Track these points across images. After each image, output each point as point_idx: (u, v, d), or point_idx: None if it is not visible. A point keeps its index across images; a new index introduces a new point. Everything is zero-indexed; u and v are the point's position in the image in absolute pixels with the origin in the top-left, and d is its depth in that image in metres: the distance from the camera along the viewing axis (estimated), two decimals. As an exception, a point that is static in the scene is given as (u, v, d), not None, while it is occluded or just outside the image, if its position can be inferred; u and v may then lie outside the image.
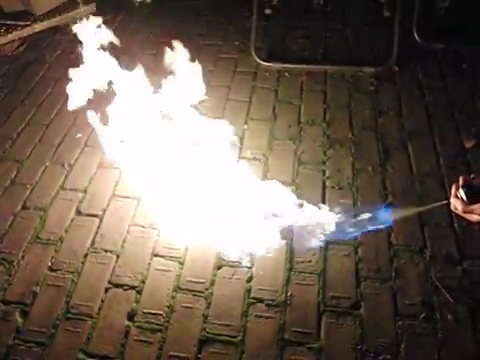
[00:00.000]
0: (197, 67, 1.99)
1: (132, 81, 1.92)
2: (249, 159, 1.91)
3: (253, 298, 1.49)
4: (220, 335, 1.41)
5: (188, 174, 1.73)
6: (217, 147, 1.82)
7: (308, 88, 2.25)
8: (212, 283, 1.53)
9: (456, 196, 1.05)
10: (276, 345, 1.38)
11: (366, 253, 1.59)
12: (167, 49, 2.00)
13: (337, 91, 2.23)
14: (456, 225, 1.65)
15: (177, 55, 1.97)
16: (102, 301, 1.50)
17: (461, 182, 1.05)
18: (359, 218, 1.61)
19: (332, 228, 1.59)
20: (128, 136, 1.81)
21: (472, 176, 1.06)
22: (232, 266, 1.56)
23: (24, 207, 1.80)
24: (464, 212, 1.04)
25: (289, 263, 1.56)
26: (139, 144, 1.82)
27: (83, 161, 1.96)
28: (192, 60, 1.98)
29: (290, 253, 1.58)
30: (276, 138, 2.01)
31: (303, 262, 1.57)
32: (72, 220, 1.74)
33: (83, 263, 1.61)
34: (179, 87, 1.90)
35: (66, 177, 1.90)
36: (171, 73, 1.94)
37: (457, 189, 1.05)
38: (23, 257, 1.63)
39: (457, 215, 1.08)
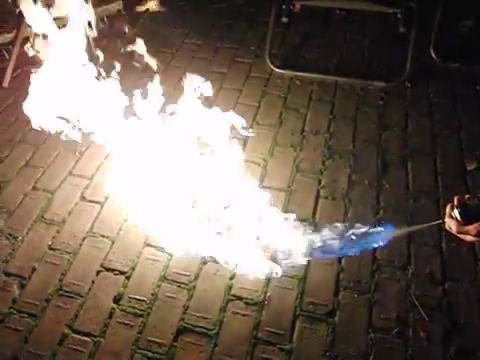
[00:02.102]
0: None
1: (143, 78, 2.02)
2: (248, 162, 1.97)
3: (233, 295, 1.55)
4: (197, 326, 1.48)
5: (186, 172, 1.81)
6: (218, 148, 1.89)
7: (317, 97, 2.29)
8: (196, 277, 1.61)
9: (450, 216, 1.04)
10: (249, 342, 1.44)
11: (349, 264, 1.62)
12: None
13: (345, 103, 2.26)
14: (443, 246, 1.66)
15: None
16: (92, 282, 1.60)
17: (456, 202, 1.04)
18: (349, 235, 1.65)
19: (318, 244, 1.62)
20: (134, 132, 1.90)
21: (467, 197, 1.05)
22: (217, 263, 1.63)
23: (34, 188, 1.93)
24: (458, 233, 1.03)
25: (271, 266, 1.61)
26: (145, 141, 1.90)
27: (93, 151, 2.07)
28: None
29: (274, 256, 1.63)
30: (278, 144, 2.06)
31: (285, 266, 1.61)
32: (76, 204, 1.85)
33: (80, 245, 1.71)
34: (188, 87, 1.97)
35: (76, 164, 2.02)
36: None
37: (452, 209, 1.04)
38: (27, 234, 1.75)
39: (451, 235, 1.07)
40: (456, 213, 1.02)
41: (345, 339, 1.44)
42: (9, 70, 2.40)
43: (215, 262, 1.63)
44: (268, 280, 1.58)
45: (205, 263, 1.64)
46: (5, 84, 2.39)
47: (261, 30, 2.70)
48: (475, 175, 1.89)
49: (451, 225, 1.04)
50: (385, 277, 1.59)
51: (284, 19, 2.34)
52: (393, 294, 1.54)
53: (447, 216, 1.06)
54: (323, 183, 1.89)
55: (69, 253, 1.69)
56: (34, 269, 1.64)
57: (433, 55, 2.42)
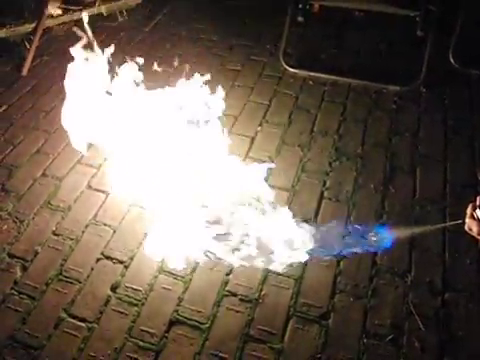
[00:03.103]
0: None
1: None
2: (254, 160, 1.97)
3: (228, 291, 1.55)
4: (190, 319, 1.49)
5: (191, 166, 1.82)
6: (225, 145, 1.90)
7: (329, 99, 2.27)
8: (193, 270, 1.62)
9: (472, 216, 1.01)
10: (240, 339, 1.44)
11: (347, 267, 1.60)
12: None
13: (357, 105, 2.22)
14: (447, 254, 1.62)
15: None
16: (92, 269, 1.63)
17: (478, 202, 1.01)
18: (351, 236, 1.64)
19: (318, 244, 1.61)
20: (142, 124, 1.92)
21: None
22: (215, 257, 1.63)
23: (44, 174, 1.97)
24: (479, 234, 1.00)
25: (269, 264, 1.61)
26: (151, 134, 1.92)
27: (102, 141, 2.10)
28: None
29: (271, 255, 1.62)
30: (286, 143, 2.05)
31: (283, 265, 1.60)
32: (82, 192, 1.89)
33: (83, 232, 1.75)
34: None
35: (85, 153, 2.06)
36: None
37: (474, 209, 1.01)
38: (33, 218, 1.80)
39: (471, 237, 1.03)
40: (478, 213, 0.99)
41: (337, 343, 1.42)
42: (29, 59, 2.46)
43: (213, 257, 1.64)
44: (264, 278, 1.58)
45: (203, 257, 1.65)
46: (24, 72, 2.46)
47: (278, 29, 2.67)
48: (482, 192, 1.84)
49: (472, 226, 1.00)
50: (383, 283, 1.56)
51: (300, 19, 2.32)
52: (390, 301, 1.51)
53: (468, 216, 1.02)
54: (328, 185, 1.87)
55: (72, 239, 1.72)
56: (37, 253, 1.68)
57: (452, 60, 2.36)
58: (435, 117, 2.15)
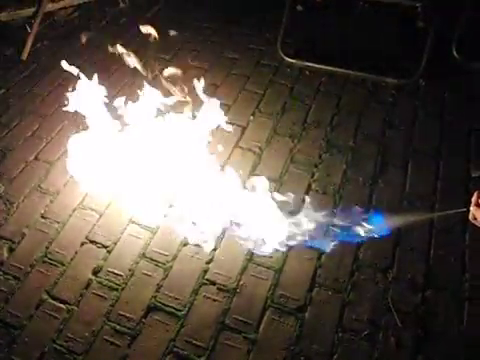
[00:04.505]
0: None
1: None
2: (244, 149, 1.96)
3: (207, 279, 1.56)
4: (167, 306, 1.50)
5: (177, 156, 1.82)
6: (214, 134, 1.89)
7: (325, 89, 2.23)
8: (174, 258, 1.63)
9: (478, 204, 0.98)
10: (215, 327, 1.45)
11: (329, 261, 1.59)
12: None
13: (353, 97, 2.18)
14: (431, 252, 1.59)
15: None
16: (76, 253, 1.66)
17: None
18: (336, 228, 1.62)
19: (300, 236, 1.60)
20: (133, 113, 1.93)
21: None
22: (197, 246, 1.64)
23: (36, 158, 2.00)
24: None
25: (250, 254, 1.61)
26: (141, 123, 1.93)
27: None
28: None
29: (253, 245, 1.62)
30: (277, 133, 2.03)
31: (264, 256, 1.60)
32: (71, 177, 1.91)
33: (70, 216, 1.77)
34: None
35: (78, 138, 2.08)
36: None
37: (479, 197, 0.98)
38: (23, 201, 1.83)
39: (474, 226, 1.01)
40: None
41: (311, 336, 1.42)
42: (28, 43, 2.48)
43: (195, 245, 1.65)
44: (244, 268, 1.58)
45: (185, 245, 1.65)
46: (24, 57, 2.48)
47: (279, 18, 2.63)
48: (478, 182, 1.79)
49: (477, 215, 0.97)
50: (364, 278, 1.54)
51: (299, 7, 2.27)
52: (369, 296, 1.49)
53: (473, 204, 0.99)
54: (316, 176, 1.84)
55: (58, 223, 1.75)
56: (24, 235, 1.72)
57: (455, 53, 2.28)
58: (432, 111, 2.09)
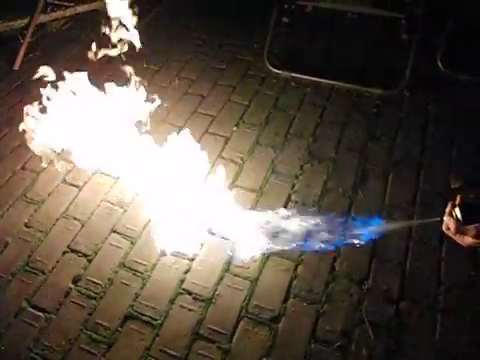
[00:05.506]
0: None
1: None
2: (226, 160, 1.98)
3: (184, 289, 1.58)
4: (143, 315, 1.52)
5: (163, 165, 1.85)
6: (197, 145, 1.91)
7: (309, 100, 2.25)
8: (153, 267, 1.65)
9: (450, 214, 0.99)
10: (189, 336, 1.46)
11: (304, 272, 1.60)
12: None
13: (337, 108, 2.20)
14: (407, 264, 1.60)
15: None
16: (57, 262, 1.68)
17: (458, 200, 0.99)
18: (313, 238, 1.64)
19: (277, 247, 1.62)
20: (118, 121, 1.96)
21: (471, 197, 1.03)
22: (175, 256, 1.66)
23: (23, 168, 2.03)
24: (456, 233, 0.98)
25: (227, 265, 1.63)
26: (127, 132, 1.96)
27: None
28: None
29: (231, 256, 1.64)
30: (259, 144, 2.05)
31: (241, 267, 1.62)
32: (57, 186, 1.94)
33: (53, 225, 1.80)
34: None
35: (66, 148, 2.12)
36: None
37: (453, 207, 0.99)
38: (8, 210, 1.86)
39: (448, 237, 1.01)
40: (457, 211, 0.97)
41: (284, 346, 1.43)
42: (21, 54, 2.53)
43: (173, 255, 1.67)
44: (221, 278, 1.59)
45: (164, 255, 1.67)
46: (16, 67, 2.53)
47: (268, 28, 2.68)
48: (460, 194, 1.79)
49: (450, 224, 0.98)
50: (339, 289, 1.55)
51: (284, 19, 2.30)
52: (343, 308, 1.50)
53: (447, 214, 1.00)
54: (296, 187, 1.86)
55: (41, 232, 1.78)
56: (7, 243, 1.74)
57: (440, 65, 2.30)
58: (415, 122, 2.11)
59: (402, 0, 2.14)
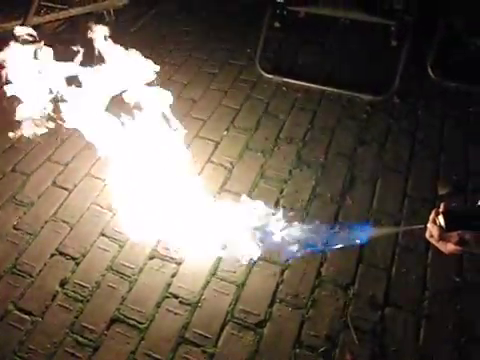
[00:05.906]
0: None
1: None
2: (216, 164, 1.99)
3: (170, 293, 1.58)
4: (129, 318, 1.52)
5: (152, 169, 1.85)
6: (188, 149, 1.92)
7: (300, 105, 2.27)
8: (140, 271, 1.65)
9: (434, 222, 0.99)
10: (175, 340, 1.47)
11: (291, 277, 1.61)
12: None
13: (327, 113, 2.22)
14: (393, 270, 1.61)
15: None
16: (45, 264, 1.68)
17: (442, 208, 0.99)
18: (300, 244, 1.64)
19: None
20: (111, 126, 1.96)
21: (454, 205, 1.01)
22: (163, 259, 1.67)
23: (13, 170, 2.03)
24: (439, 240, 0.98)
25: (214, 269, 1.63)
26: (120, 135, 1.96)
27: (73, 139, 2.15)
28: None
29: (218, 260, 1.65)
30: (249, 149, 2.06)
31: (228, 271, 1.63)
32: (47, 189, 1.94)
33: (42, 228, 1.80)
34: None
35: (55, 150, 2.12)
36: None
37: (437, 215, 0.99)
38: (-3, 212, 1.87)
39: (431, 245, 1.02)
40: (440, 218, 0.97)
41: (269, 351, 1.43)
42: (14, 56, 2.53)
43: (161, 258, 1.67)
44: (207, 282, 1.60)
45: (152, 258, 1.68)
46: (9, 69, 2.53)
47: (261, 34, 2.69)
48: (445, 201, 1.81)
49: (433, 231, 0.98)
50: (325, 294, 1.56)
51: (276, 24, 2.32)
52: (328, 312, 1.51)
53: (430, 222, 1.00)
54: (284, 192, 1.87)
55: (30, 234, 1.78)
56: (-5, 246, 1.75)
57: (430, 71, 2.32)
58: (405, 128, 2.13)
59: (393, 7, 2.16)
